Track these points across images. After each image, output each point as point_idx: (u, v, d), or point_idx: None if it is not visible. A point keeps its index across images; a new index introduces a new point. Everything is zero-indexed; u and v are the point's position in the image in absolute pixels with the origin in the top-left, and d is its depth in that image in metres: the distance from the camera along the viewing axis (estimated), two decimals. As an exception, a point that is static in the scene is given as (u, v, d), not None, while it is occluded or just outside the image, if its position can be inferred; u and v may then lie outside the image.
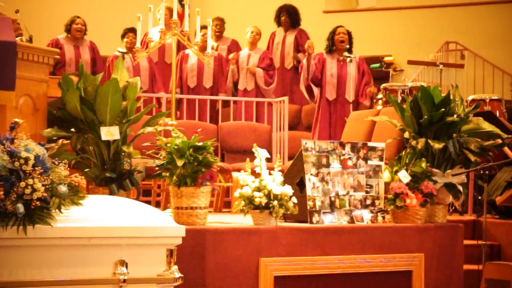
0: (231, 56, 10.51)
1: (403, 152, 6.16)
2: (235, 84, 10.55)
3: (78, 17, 10.22)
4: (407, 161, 6.05)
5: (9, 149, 3.92)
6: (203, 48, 7.82)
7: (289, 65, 11.06)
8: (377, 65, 10.11)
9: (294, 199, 5.35)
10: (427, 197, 5.90)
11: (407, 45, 12.90)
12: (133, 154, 5.41)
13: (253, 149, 5.47)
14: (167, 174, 5.21)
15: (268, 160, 5.53)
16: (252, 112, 9.96)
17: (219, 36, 11.23)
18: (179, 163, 5.01)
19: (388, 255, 5.68)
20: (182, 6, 9.79)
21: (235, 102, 10.10)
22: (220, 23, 11.22)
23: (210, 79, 10.29)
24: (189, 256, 4.91)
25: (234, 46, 11.28)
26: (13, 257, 3.72)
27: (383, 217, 5.99)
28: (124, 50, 10.06)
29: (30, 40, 8.96)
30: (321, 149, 5.86)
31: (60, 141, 5.30)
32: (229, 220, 5.88)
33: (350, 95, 9.12)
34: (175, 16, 6.88)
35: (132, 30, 8.84)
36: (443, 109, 6.01)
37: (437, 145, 5.94)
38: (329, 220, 5.74)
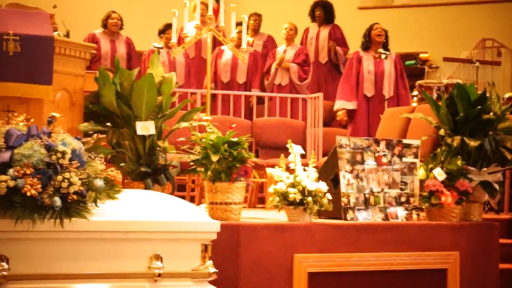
0: (278, 59, 10.49)
1: (438, 150, 6.11)
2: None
3: (114, 11, 10.29)
4: (442, 159, 6.01)
5: (46, 143, 3.96)
6: (238, 44, 7.82)
7: (323, 59, 11.03)
8: (413, 62, 10.05)
9: (329, 196, 5.33)
10: (463, 195, 5.86)
11: (442, 42, 12.80)
12: (168, 149, 5.43)
13: (288, 145, 5.46)
14: (202, 169, 5.22)
15: (303, 156, 5.52)
16: (287, 108, 9.95)
17: (255, 31, 11.23)
18: (214, 158, 5.02)
19: (423, 253, 5.64)
20: (218, 1, 9.80)
21: (269, 98, 10.10)
22: (257, 18, 11.22)
23: (243, 74, 10.31)
24: (224, 251, 4.91)
25: (270, 42, 11.28)
26: (50, 250, 3.76)
27: (418, 215, 5.96)
28: (160, 45, 10.10)
29: (67, 35, 9.03)
30: (356, 146, 5.84)
31: (96, 135, 5.35)
32: (263, 216, 5.88)
33: (387, 92, 9.07)
34: (210, 12, 6.90)
35: (171, 26, 8.85)
36: (479, 107, 5.96)
37: (473, 143, 5.90)
38: (363, 217, 5.72)
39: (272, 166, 6.38)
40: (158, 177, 5.26)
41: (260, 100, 10.25)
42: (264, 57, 10.77)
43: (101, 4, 11.73)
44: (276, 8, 12.85)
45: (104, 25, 10.15)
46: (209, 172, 5.15)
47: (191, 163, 5.26)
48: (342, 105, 9.19)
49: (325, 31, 11.11)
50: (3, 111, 4.75)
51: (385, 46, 9.29)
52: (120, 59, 9.65)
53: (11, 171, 3.78)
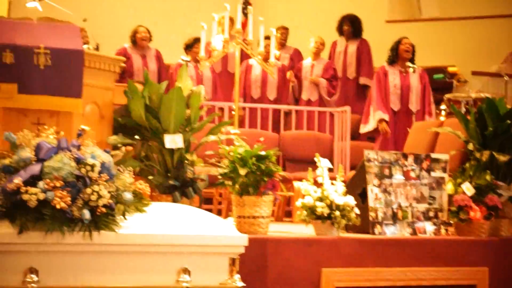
0: (288, 75, 10.51)
1: (467, 164, 6.07)
2: (294, 96, 10.56)
3: (141, 26, 10.31)
4: (471, 173, 5.97)
5: (76, 155, 3.99)
6: (266, 58, 7.83)
7: (351, 75, 11.01)
8: (441, 75, 10.01)
9: (356, 210, 5.32)
10: (492, 210, 5.82)
11: (471, 55, 12.73)
12: (196, 162, 5.44)
13: (315, 159, 5.46)
14: (230, 182, 5.22)
15: (330, 170, 5.51)
16: (314, 122, 9.94)
17: (282, 44, 11.24)
18: (242, 172, 5.02)
19: (451, 269, 5.60)
20: (245, 15, 9.84)
21: (297, 112, 10.09)
22: (284, 32, 11.23)
23: (274, 90, 10.32)
24: (251, 265, 4.90)
25: (297, 55, 11.29)
26: (79, 263, 3.78)
27: (446, 230, 5.92)
28: (188, 59, 10.13)
29: (97, 48, 9.10)
30: (383, 160, 5.82)
31: (125, 148, 5.37)
32: (290, 230, 5.88)
33: (413, 106, 9.03)
34: (238, 25, 6.92)
35: (199, 40, 8.79)
36: (508, 121, 5.92)
37: (503, 158, 5.86)
38: (391, 231, 5.70)
39: (300, 179, 6.36)
40: (186, 190, 5.27)
41: (289, 114, 10.24)
42: (293, 69, 10.76)
43: (130, 18, 11.80)
44: (302, 21, 12.85)
45: (133, 41, 10.18)
46: (236, 186, 5.15)
47: (219, 177, 5.27)
48: (379, 115, 9.12)
49: (353, 46, 11.10)
50: (33, 124, 4.78)
51: (412, 60, 9.26)
52: (151, 73, 9.75)
53: (41, 183, 3.81)
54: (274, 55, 7.19)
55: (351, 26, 11.14)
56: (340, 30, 11.28)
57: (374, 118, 9.17)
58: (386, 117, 9.01)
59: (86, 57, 5.07)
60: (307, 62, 10.74)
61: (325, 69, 10.59)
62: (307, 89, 10.53)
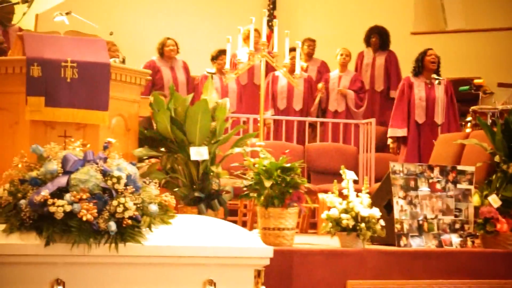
0: (319, 86, 10.50)
1: (494, 176, 6.04)
2: (321, 107, 10.56)
3: (169, 38, 10.33)
4: (497, 186, 5.94)
5: (102, 168, 4.02)
6: (292, 70, 7.84)
7: (379, 87, 10.98)
8: (466, 87, 9.97)
9: (382, 222, 5.30)
10: (519, 223, 5.78)
11: (497, 67, 12.66)
12: (222, 174, 5.46)
13: (341, 171, 5.45)
14: (255, 194, 5.23)
15: (355, 182, 5.51)
16: (339, 134, 9.93)
17: (310, 56, 11.23)
18: (267, 184, 5.04)
19: (478, 281, 5.56)
20: (271, 27, 9.86)
21: (321, 123, 10.08)
22: (311, 44, 11.22)
23: (299, 101, 10.32)
24: (276, 277, 4.90)
25: (324, 67, 11.27)
26: (105, 274, 3.81)
27: (473, 242, 5.89)
28: (213, 71, 10.16)
29: (123, 61, 9.15)
30: (409, 172, 5.81)
31: (150, 160, 5.40)
32: (316, 242, 5.87)
33: (439, 118, 9.00)
34: (264, 38, 6.94)
35: (224, 52, 8.77)
36: (535, 133, 5.89)
37: (529, 170, 5.83)
38: (417, 243, 5.68)
39: (325, 191, 6.37)
40: (211, 202, 5.28)
41: (314, 125, 10.24)
42: (318, 83, 10.76)
43: (156, 30, 11.84)
44: (328, 33, 12.86)
45: (161, 53, 10.20)
46: (262, 198, 5.16)
47: (244, 188, 5.28)
48: (392, 133, 9.12)
49: (381, 59, 11.07)
50: (60, 137, 4.82)
51: (437, 72, 9.22)
52: (180, 85, 9.79)
53: (68, 196, 3.84)
54: (301, 67, 7.20)
55: (379, 38, 11.12)
56: (367, 42, 11.26)
57: (388, 134, 9.16)
58: (399, 133, 9.00)
59: (112, 70, 5.11)
60: (334, 73, 10.73)
61: (352, 81, 10.57)
62: (334, 100, 10.52)
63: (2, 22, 9.41)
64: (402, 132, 9.11)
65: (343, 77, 10.59)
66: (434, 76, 9.05)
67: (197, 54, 11.30)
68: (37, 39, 5.19)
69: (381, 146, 10.04)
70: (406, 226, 5.68)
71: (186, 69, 10.32)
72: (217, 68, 10.13)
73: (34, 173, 3.99)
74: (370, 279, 5.24)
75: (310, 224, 8.03)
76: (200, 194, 5.26)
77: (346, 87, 10.48)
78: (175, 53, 10.16)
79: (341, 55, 10.60)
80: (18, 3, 9.50)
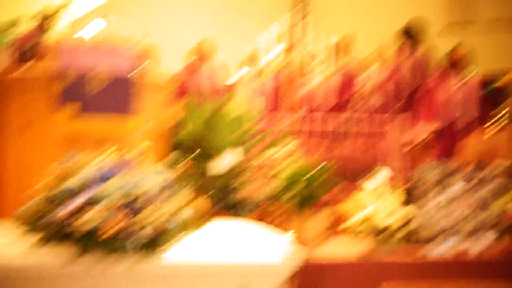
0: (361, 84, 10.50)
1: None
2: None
3: (204, 40, 10.29)
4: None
5: (134, 176, 4.05)
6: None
7: (417, 82, 10.90)
8: (496, 84, 9.88)
9: (416, 221, 5.29)
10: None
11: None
12: (251, 179, 5.48)
13: (372, 171, 5.45)
14: (285, 199, 5.24)
15: (386, 182, 5.49)
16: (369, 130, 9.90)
17: (347, 52, 11.16)
18: (296, 188, 5.05)
19: (513, 282, 5.53)
20: (304, 25, 9.78)
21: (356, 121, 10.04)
22: (349, 40, 11.17)
23: (333, 97, 10.28)
24: (308, 283, 4.91)
25: (360, 64, 11.19)
26: (137, 285, 3.82)
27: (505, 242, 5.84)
28: (244, 73, 10.17)
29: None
30: (440, 171, 5.79)
31: (183, 165, 5.45)
32: (346, 246, 5.86)
33: (469, 115, 8.94)
34: (298, 36, 6.93)
35: (258, 52, 8.71)
36: None
37: None
38: (452, 242, 5.65)
39: (359, 189, 6.36)
40: (241, 207, 5.31)
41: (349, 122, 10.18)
42: (354, 79, 10.71)
43: (187, 34, 11.87)
44: (361, 29, 12.77)
45: (198, 56, 10.18)
46: (291, 203, 5.17)
47: (274, 193, 5.30)
48: (426, 127, 9.07)
49: (416, 55, 11.00)
50: (95, 143, 4.88)
51: (466, 69, 9.16)
52: (215, 88, 9.80)
53: (102, 203, 3.88)
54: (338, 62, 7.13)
55: (414, 35, 11.05)
56: (404, 38, 11.19)
57: (421, 130, 9.11)
58: (432, 127, 8.95)
59: (143, 76, 5.17)
60: (371, 70, 10.70)
61: (388, 77, 10.54)
62: (372, 95, 10.49)
63: (44, 29, 9.59)
64: (433, 127, 9.07)
65: (379, 73, 10.55)
66: (463, 73, 8.99)
67: (233, 55, 11.26)
68: (70, 48, 5.27)
69: (413, 144, 9.99)
70: (440, 225, 5.66)
71: (222, 72, 10.26)
72: (254, 68, 10.10)
73: (68, 183, 4.03)
74: (404, 283, 5.22)
75: (342, 224, 8.01)
76: (231, 199, 5.29)
77: (383, 81, 10.45)
78: (211, 56, 10.12)
79: (377, 49, 10.58)
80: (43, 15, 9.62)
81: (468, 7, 13.74)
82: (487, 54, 11.35)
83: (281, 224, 7.09)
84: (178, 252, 3.87)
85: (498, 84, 9.72)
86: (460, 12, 13.77)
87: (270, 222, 7.51)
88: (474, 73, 9.07)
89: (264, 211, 7.58)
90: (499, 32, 13.01)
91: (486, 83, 9.32)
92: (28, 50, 9.03)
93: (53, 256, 3.75)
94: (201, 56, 10.02)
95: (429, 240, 5.59)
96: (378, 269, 5.17)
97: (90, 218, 3.81)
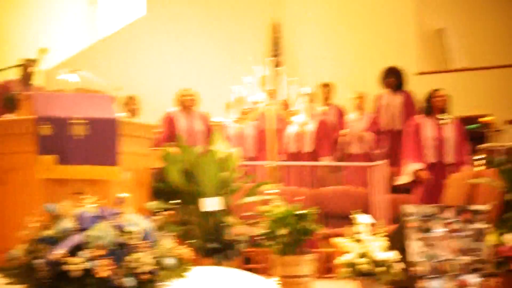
0: (342, 132, 10.51)
1: (509, 214, 5.99)
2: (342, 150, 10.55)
3: (186, 89, 10.24)
4: (513, 223, 5.90)
5: (117, 223, 4.00)
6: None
7: (396, 127, 10.94)
8: (475, 125, 9.96)
9: (399, 265, 5.26)
10: (537, 260, 5.72)
11: (505, 104, 12.65)
12: (236, 223, 5.45)
13: (354, 215, 5.43)
14: (270, 242, 5.21)
15: (370, 225, 5.47)
16: (352, 176, 9.90)
17: (326, 100, 11.19)
18: (282, 231, 5.01)
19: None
20: (279, 73, 9.80)
21: (336, 167, 10.05)
22: (328, 88, 11.21)
23: (309, 144, 10.28)
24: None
25: (341, 111, 11.22)
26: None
27: (496, 282, 5.82)
28: (221, 120, 10.16)
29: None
30: (423, 214, 5.77)
31: (164, 213, 5.38)
32: (334, 287, 5.82)
33: (450, 157, 8.97)
34: (269, 86, 6.95)
35: (240, 100, 8.62)
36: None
37: (545, 206, 5.79)
38: (436, 285, 5.62)
39: (340, 235, 6.33)
40: (226, 252, 5.27)
41: (328, 168, 10.17)
42: (333, 126, 10.72)
43: (170, 81, 11.83)
44: (344, 77, 12.85)
45: (179, 103, 10.15)
46: (277, 245, 5.13)
47: (259, 237, 5.26)
48: (412, 167, 9.05)
49: (398, 98, 11.05)
50: (73, 194, 4.82)
51: (446, 111, 9.20)
52: (199, 135, 9.76)
53: (83, 253, 3.82)
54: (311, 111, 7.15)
55: (396, 79, 11.13)
56: (384, 83, 11.25)
57: (407, 171, 9.11)
58: (420, 166, 8.95)
59: (121, 125, 5.13)
60: (351, 116, 10.73)
61: (369, 123, 10.58)
62: (353, 143, 10.50)
63: (26, 82, 9.59)
64: (418, 165, 9.06)
65: (360, 120, 10.58)
66: (441, 116, 9.03)
67: (215, 101, 11.23)
68: (46, 98, 5.24)
69: (394, 187, 10.01)
70: (423, 269, 5.62)
71: (204, 119, 10.21)
72: (236, 114, 10.06)
73: (49, 232, 3.97)
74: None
75: (326, 268, 7.97)
76: (215, 245, 5.25)
77: (363, 130, 10.48)
78: (192, 104, 10.08)
79: (355, 98, 10.63)
80: (22, 65, 9.63)
81: (439, 57, 13.91)
82: (462, 100, 11.43)
83: (265, 270, 7.04)
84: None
85: (473, 128, 9.80)
86: (431, 62, 13.93)
87: (254, 269, 7.45)
88: (450, 118, 9.11)
89: (248, 256, 7.52)
90: (470, 80, 13.16)
91: (463, 126, 9.37)
92: (8, 99, 9.00)
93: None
94: (182, 105, 10.00)
95: (413, 283, 5.55)
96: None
97: (72, 268, 3.75)
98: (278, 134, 10.09)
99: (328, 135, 10.31)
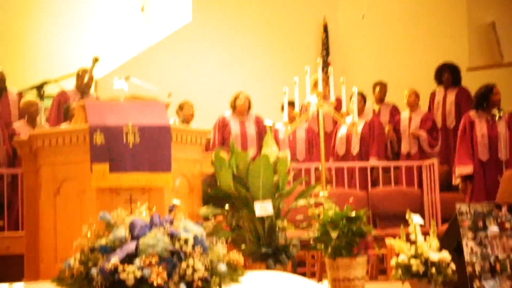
0: (387, 129, 10.42)
1: None
2: (393, 149, 10.46)
3: (241, 92, 10.25)
4: None
5: (169, 231, 4.06)
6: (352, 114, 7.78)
7: (451, 124, 10.84)
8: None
9: (453, 265, 5.23)
10: None
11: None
12: (287, 227, 5.47)
13: (407, 216, 5.41)
14: (322, 246, 5.21)
15: (421, 224, 5.45)
16: (402, 176, 9.83)
17: (381, 100, 11.11)
18: (334, 234, 5.02)
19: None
20: (330, 74, 9.78)
21: (384, 167, 9.99)
22: (383, 87, 11.11)
23: (357, 145, 10.24)
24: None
25: (395, 110, 11.14)
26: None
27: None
28: (270, 123, 10.17)
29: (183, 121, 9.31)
30: (476, 212, 5.73)
31: (216, 218, 5.44)
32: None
33: (503, 154, 8.88)
34: (320, 88, 6.95)
35: (291, 104, 8.55)
36: None
37: None
38: (490, 285, 5.57)
39: (392, 236, 6.32)
40: (279, 256, 5.29)
41: (377, 169, 10.13)
42: (384, 125, 10.64)
43: (222, 86, 11.90)
44: (396, 75, 12.73)
45: (233, 106, 10.18)
46: (329, 249, 5.14)
47: (311, 241, 5.27)
48: (459, 171, 9.00)
49: (452, 95, 10.94)
50: (126, 202, 4.90)
51: (498, 107, 9.10)
52: (250, 139, 9.79)
53: (137, 261, 3.89)
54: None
55: (451, 74, 11.00)
56: (438, 79, 11.14)
57: (456, 173, 9.05)
58: (469, 169, 8.87)
59: (173, 132, 5.19)
60: (404, 114, 10.64)
61: (423, 121, 10.46)
62: (406, 142, 10.42)
63: (82, 91, 9.75)
64: (468, 169, 8.99)
65: (413, 118, 10.48)
66: (495, 112, 8.93)
67: (260, 106, 11.25)
68: (98, 107, 5.32)
69: (446, 186, 9.93)
70: (478, 268, 5.59)
71: (257, 122, 10.22)
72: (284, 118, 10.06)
73: (103, 241, 4.05)
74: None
75: (379, 270, 7.95)
76: (267, 250, 5.27)
77: (417, 128, 10.39)
78: (245, 108, 10.08)
79: (406, 95, 10.53)
80: (78, 74, 9.79)
81: (490, 52, 13.72)
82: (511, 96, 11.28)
83: (317, 273, 7.06)
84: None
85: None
86: (482, 57, 13.75)
87: (306, 272, 7.47)
88: (503, 113, 9.00)
89: (300, 260, 7.54)
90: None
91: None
92: (65, 109, 9.18)
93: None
94: (235, 108, 10.03)
95: (467, 284, 5.51)
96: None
97: (126, 277, 3.81)
98: (329, 135, 10.11)
99: (378, 135, 10.24)
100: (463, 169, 8.96)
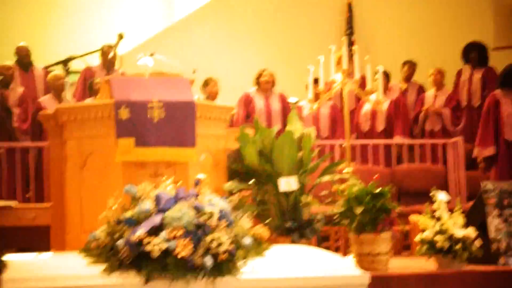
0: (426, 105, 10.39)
1: None
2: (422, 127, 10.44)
3: (265, 69, 10.26)
4: None
5: (194, 204, 4.08)
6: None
7: (476, 103, 10.77)
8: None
9: (477, 242, 5.22)
10: None
11: None
12: (312, 202, 5.47)
13: (431, 193, 5.40)
14: (346, 221, 5.21)
15: (447, 202, 5.43)
16: (426, 154, 9.80)
17: (408, 79, 11.06)
18: (358, 210, 5.01)
19: None
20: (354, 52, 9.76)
21: (409, 145, 9.97)
22: (411, 66, 11.05)
23: (382, 122, 10.21)
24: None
25: (422, 89, 11.09)
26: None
27: None
28: (294, 100, 10.16)
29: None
30: (502, 190, 5.70)
31: (241, 193, 5.45)
32: (411, 265, 5.80)
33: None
34: (344, 66, 6.91)
35: (315, 81, 8.52)
36: None
37: None
38: (518, 262, 5.55)
39: (416, 212, 6.30)
40: (303, 231, 5.29)
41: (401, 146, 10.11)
42: (410, 104, 10.61)
43: (246, 62, 11.87)
44: (422, 54, 12.64)
45: (257, 83, 10.19)
46: (353, 224, 5.14)
47: (335, 216, 5.27)
48: (477, 152, 8.92)
49: (478, 74, 10.86)
50: (151, 176, 4.92)
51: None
52: (275, 115, 9.81)
53: (163, 234, 3.91)
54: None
55: (478, 54, 10.92)
56: (465, 58, 11.06)
57: (474, 154, 8.97)
58: (489, 151, 8.78)
59: (197, 108, 5.20)
60: (429, 93, 10.59)
61: (448, 99, 10.42)
62: (430, 119, 10.38)
63: (107, 67, 9.80)
64: (488, 151, 8.91)
65: (438, 96, 10.43)
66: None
67: (285, 83, 11.24)
68: (123, 82, 5.34)
69: (471, 164, 9.88)
70: (503, 245, 5.57)
71: (281, 99, 10.21)
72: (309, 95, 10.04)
73: (129, 214, 4.07)
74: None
75: (403, 246, 7.94)
76: (292, 224, 5.28)
77: (441, 106, 10.33)
78: (269, 84, 10.09)
79: (432, 74, 10.47)
80: (103, 50, 9.83)
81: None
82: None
83: (344, 244, 7.05)
84: (241, 278, 3.86)
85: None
86: (507, 36, 13.61)
87: (330, 247, 7.47)
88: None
89: (324, 235, 7.55)
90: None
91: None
92: (90, 84, 9.25)
93: (130, 276, 3.81)
94: (259, 85, 10.03)
95: (491, 260, 5.50)
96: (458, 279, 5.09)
97: (152, 249, 3.84)
98: (354, 113, 10.08)
99: (402, 113, 10.21)
100: (485, 151, 8.87)
